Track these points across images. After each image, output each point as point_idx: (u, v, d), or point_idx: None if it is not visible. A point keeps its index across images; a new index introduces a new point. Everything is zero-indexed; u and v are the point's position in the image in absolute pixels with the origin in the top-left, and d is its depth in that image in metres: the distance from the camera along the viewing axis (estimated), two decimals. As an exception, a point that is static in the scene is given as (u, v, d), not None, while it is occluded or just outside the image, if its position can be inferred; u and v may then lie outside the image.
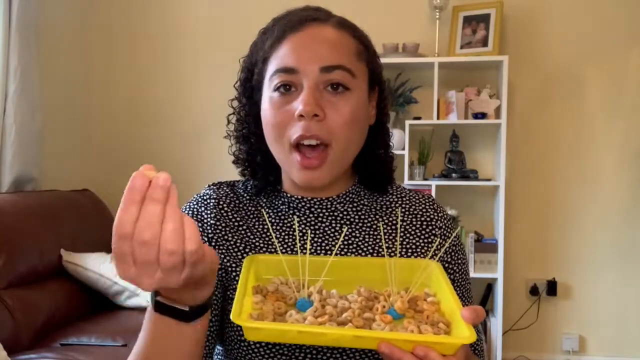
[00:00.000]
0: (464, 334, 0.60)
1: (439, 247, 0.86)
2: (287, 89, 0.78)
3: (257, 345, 0.78)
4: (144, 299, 2.43)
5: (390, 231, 0.86)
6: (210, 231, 0.83)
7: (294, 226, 0.84)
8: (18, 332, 2.08)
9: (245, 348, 0.79)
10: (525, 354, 3.10)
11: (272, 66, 0.79)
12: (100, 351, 2.03)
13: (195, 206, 0.86)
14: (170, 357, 0.64)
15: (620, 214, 3.06)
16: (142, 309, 2.45)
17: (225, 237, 0.83)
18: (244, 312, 0.66)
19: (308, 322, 0.64)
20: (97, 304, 2.49)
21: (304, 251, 0.76)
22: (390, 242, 0.85)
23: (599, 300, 3.09)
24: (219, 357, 0.87)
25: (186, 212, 0.85)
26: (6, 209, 2.30)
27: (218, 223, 0.84)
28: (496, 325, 2.90)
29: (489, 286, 3.07)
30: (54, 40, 3.24)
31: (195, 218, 0.84)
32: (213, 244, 0.83)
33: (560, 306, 3.12)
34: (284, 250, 0.82)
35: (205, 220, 0.84)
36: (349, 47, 0.80)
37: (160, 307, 0.61)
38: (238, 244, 0.83)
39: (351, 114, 0.78)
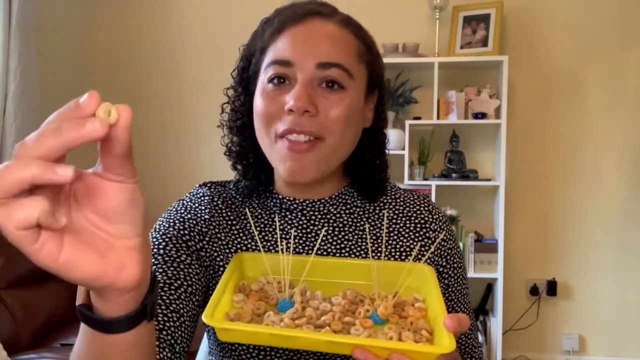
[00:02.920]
0: (444, 343, 0.58)
1: (425, 249, 0.84)
2: (281, 81, 0.76)
3: (252, 349, 0.77)
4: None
5: (381, 234, 0.84)
6: (204, 226, 0.82)
7: (281, 226, 0.83)
8: (18, 332, 2.08)
9: (237, 355, 0.78)
10: (525, 354, 3.10)
11: (268, 57, 0.78)
12: (100, 351, 2.02)
13: (189, 203, 0.85)
14: None
15: (620, 214, 3.06)
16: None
17: (218, 234, 0.82)
18: (221, 311, 0.64)
19: (284, 324, 0.62)
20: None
21: (290, 250, 0.74)
22: (382, 245, 0.83)
23: (599, 300, 3.09)
24: (212, 357, 0.86)
25: (180, 208, 0.84)
26: (6, 209, 2.29)
27: (212, 219, 0.83)
28: (496, 325, 2.90)
29: (489, 286, 3.07)
30: (54, 40, 3.24)
31: (189, 214, 0.83)
32: (207, 239, 0.81)
33: (560, 306, 3.12)
34: (275, 252, 0.80)
35: (199, 215, 0.82)
36: (350, 47, 0.78)
37: (81, 315, 0.48)
38: (230, 245, 0.81)
39: (345, 112, 0.76)
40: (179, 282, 0.74)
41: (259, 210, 0.85)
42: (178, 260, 0.76)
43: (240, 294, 0.69)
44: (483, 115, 2.92)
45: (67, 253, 0.38)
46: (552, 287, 3.10)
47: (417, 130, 3.06)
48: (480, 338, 2.86)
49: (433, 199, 2.46)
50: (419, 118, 3.03)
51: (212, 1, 3.32)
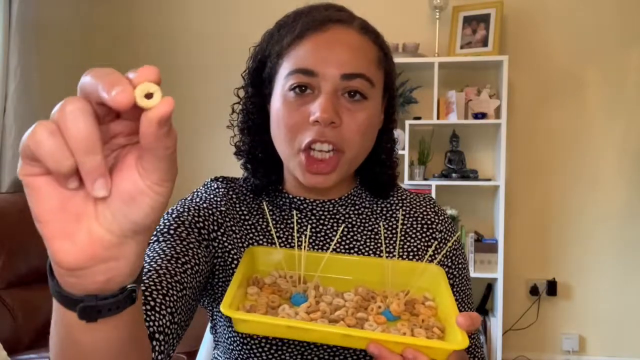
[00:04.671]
0: (457, 340, 0.59)
1: (437, 250, 0.85)
2: (303, 90, 0.76)
3: (264, 343, 0.77)
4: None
5: (390, 235, 0.86)
6: (220, 217, 0.82)
7: (292, 224, 0.84)
8: (18, 332, 2.08)
9: (248, 349, 0.78)
10: (525, 354, 3.10)
11: (289, 64, 0.77)
12: (100, 351, 2.02)
13: (204, 194, 0.85)
14: (80, 356, 0.49)
15: (620, 213, 3.06)
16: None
17: (233, 227, 0.82)
18: (236, 303, 0.65)
19: (300, 317, 0.64)
20: (97, 304, 2.49)
21: (303, 246, 0.75)
22: (390, 246, 0.85)
23: (599, 300, 3.09)
24: (218, 352, 0.86)
25: (195, 198, 0.84)
26: (6, 209, 2.30)
27: (228, 212, 0.83)
28: (496, 325, 2.90)
29: (489, 286, 3.07)
30: (54, 40, 3.24)
31: (204, 204, 0.83)
32: (222, 230, 0.81)
33: (560, 306, 3.12)
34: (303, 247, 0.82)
35: (215, 207, 0.82)
36: (371, 54, 0.78)
37: (57, 296, 0.45)
38: (243, 240, 0.82)
39: (366, 123, 0.77)
40: (186, 258, 0.73)
41: (270, 207, 0.86)
42: (187, 240, 0.76)
43: (254, 286, 0.70)
44: (483, 115, 2.92)
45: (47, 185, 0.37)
46: (552, 287, 3.10)
47: (417, 130, 3.06)
48: (481, 338, 2.86)
49: (433, 199, 2.46)
50: (419, 118, 3.04)
51: (212, 3, 3.32)
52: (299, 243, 0.79)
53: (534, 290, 3.11)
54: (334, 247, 0.83)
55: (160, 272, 0.68)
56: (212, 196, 0.84)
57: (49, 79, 3.11)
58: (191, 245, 0.75)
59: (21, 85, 2.78)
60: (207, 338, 1.11)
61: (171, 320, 0.65)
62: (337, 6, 0.82)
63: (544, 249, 3.14)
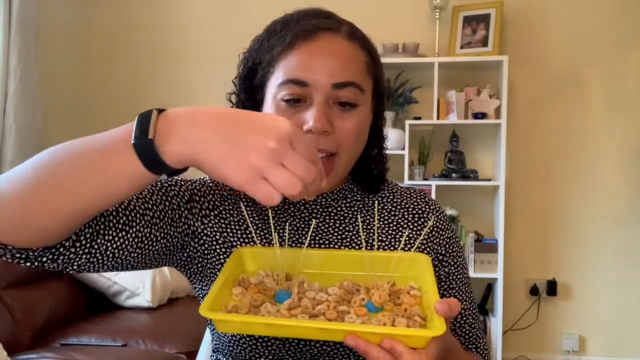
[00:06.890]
0: (434, 326, 0.59)
1: (411, 238, 0.86)
2: (295, 100, 0.78)
3: (260, 345, 0.78)
4: (143, 299, 2.43)
5: (382, 226, 0.87)
6: (218, 200, 0.85)
7: (284, 218, 0.85)
8: (18, 332, 2.08)
9: (241, 344, 0.79)
10: (525, 354, 3.10)
11: (280, 73, 0.79)
12: (100, 351, 2.03)
13: (205, 178, 0.88)
14: (102, 186, 0.58)
15: (620, 213, 3.06)
16: (141, 309, 2.44)
17: (231, 212, 0.84)
18: (220, 303, 0.65)
19: (280, 314, 0.64)
20: (97, 304, 2.49)
21: (296, 244, 0.77)
22: (382, 235, 0.86)
23: (599, 300, 3.09)
24: (218, 354, 0.87)
25: (197, 182, 0.87)
26: (6, 209, 2.29)
27: (229, 197, 0.85)
28: (496, 325, 2.90)
29: (489, 286, 3.07)
30: (54, 40, 3.24)
31: (211, 184, 0.86)
32: (217, 212, 0.83)
33: (560, 306, 3.12)
34: (277, 244, 0.82)
35: (220, 190, 0.86)
36: (360, 61, 0.81)
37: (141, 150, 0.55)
38: (239, 224, 0.84)
39: (357, 128, 0.80)
40: (154, 207, 0.76)
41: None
42: (168, 202, 0.79)
43: (239, 287, 0.71)
44: (483, 115, 2.92)
45: None
46: (552, 287, 3.10)
47: (417, 130, 3.06)
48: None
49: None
50: (419, 118, 3.03)
51: (211, 2, 3.32)
52: (281, 241, 0.80)
53: (534, 290, 3.11)
54: (325, 238, 0.84)
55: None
56: (209, 180, 0.88)
57: (49, 79, 3.11)
58: (167, 204, 0.78)
59: (21, 85, 2.78)
60: (207, 338, 1.11)
61: (94, 239, 0.68)
62: (324, 12, 0.83)
63: (544, 249, 3.14)
